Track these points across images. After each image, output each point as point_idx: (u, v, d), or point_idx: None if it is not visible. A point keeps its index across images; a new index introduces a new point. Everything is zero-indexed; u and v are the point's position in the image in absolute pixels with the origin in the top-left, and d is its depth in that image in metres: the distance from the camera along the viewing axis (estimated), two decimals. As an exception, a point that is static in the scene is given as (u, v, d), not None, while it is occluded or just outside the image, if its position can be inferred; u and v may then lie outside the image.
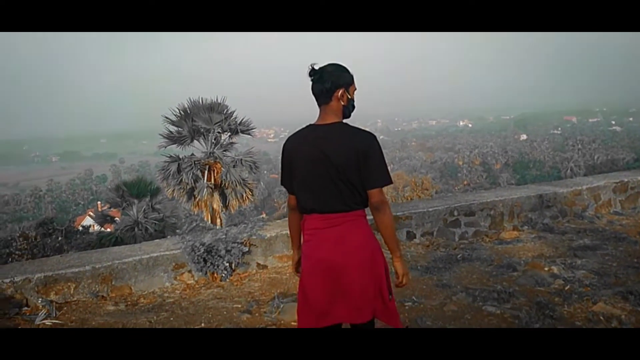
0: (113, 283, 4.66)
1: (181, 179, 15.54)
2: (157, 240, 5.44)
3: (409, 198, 28.77)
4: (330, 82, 2.45)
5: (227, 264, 4.85)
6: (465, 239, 6.12)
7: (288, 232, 2.78)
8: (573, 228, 6.39)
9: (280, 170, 2.66)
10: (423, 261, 5.27)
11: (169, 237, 5.33)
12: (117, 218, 21.84)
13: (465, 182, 61.71)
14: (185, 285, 4.87)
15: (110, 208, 21.00)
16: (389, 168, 2.53)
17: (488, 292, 4.23)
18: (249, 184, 16.19)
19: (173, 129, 15.58)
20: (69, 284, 4.51)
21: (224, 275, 4.88)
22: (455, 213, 6.16)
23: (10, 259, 16.79)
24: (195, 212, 17.49)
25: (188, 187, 15.73)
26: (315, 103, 2.52)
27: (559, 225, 6.55)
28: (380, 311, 2.46)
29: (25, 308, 4.37)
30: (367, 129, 2.51)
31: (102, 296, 4.62)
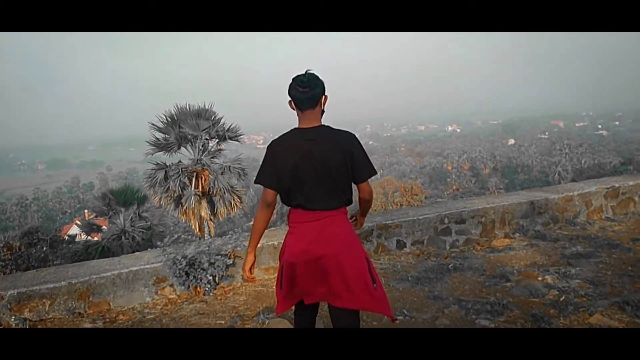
0: (91, 299, 4.46)
1: (168, 187, 15.30)
2: (137, 252, 5.24)
3: (399, 204, 28.64)
4: (320, 88, 2.63)
5: (211, 277, 4.66)
6: (456, 248, 5.98)
7: (259, 235, 2.81)
8: (565, 235, 6.27)
9: (260, 169, 2.72)
10: (414, 271, 5.11)
11: (149, 249, 5.12)
12: (104, 227, 21.49)
13: (454, 187, 61.74)
14: (166, 300, 4.68)
15: (96, 217, 20.67)
16: (378, 174, 2.66)
17: (481, 304, 4.09)
18: (237, 191, 15.98)
19: (160, 135, 15.35)
20: (43, 300, 4.30)
21: (207, 289, 4.68)
22: (446, 221, 6.02)
23: (-6, 270, 16.44)
24: (183, 220, 17.27)
25: (175, 194, 15.49)
26: (294, 110, 2.69)
27: (550, 232, 6.44)
28: (368, 303, 2.59)
29: (-3, 327, 4.16)
30: (346, 129, 2.75)
31: (79, 313, 4.40)
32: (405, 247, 5.83)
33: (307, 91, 2.59)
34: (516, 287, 4.46)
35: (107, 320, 4.33)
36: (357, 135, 2.74)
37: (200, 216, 15.93)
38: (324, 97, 2.66)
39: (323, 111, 2.71)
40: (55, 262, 18.74)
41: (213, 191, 15.68)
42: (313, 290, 2.65)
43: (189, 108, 15.30)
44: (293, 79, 2.64)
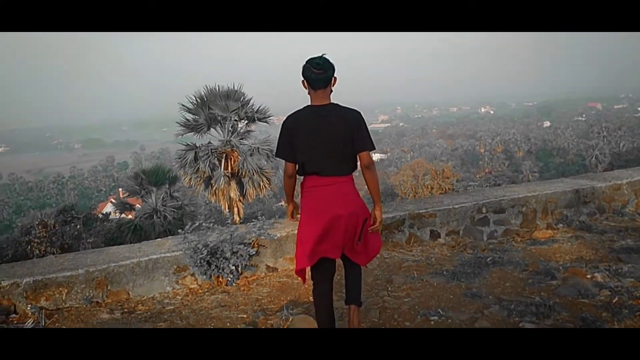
0: (109, 288, 4.27)
1: (198, 168, 15.26)
2: (158, 239, 5.04)
3: (430, 187, 28.06)
4: (332, 70, 2.97)
5: (233, 267, 4.42)
6: (494, 239, 5.61)
7: (291, 194, 3.31)
8: (613, 227, 5.83)
9: (278, 143, 3.07)
10: (449, 265, 4.77)
11: (169, 237, 4.91)
12: (138, 205, 21.68)
13: (486, 170, 60.47)
14: (187, 290, 4.46)
15: (129, 196, 20.87)
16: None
17: (525, 304, 3.72)
18: (266, 172, 15.85)
19: (190, 117, 15.30)
20: (60, 288, 4.13)
21: (229, 279, 4.45)
22: (484, 210, 5.64)
23: (29, 247, 16.74)
24: (213, 201, 17.24)
25: (205, 175, 15.48)
26: (306, 89, 3.02)
27: (597, 223, 6.00)
28: (348, 250, 3.10)
29: (13, 315, 4.02)
30: (354, 108, 3.09)
31: (97, 302, 4.23)
32: (440, 237, 5.49)
33: (321, 73, 2.93)
34: (563, 286, 4.08)
35: (126, 310, 4.15)
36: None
37: (230, 197, 15.87)
38: (334, 78, 3.00)
39: (331, 91, 3.02)
40: (88, 240, 19.01)
41: (242, 172, 15.58)
42: (317, 249, 2.99)
43: (219, 89, 15.18)
44: (308, 61, 2.96)
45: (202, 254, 4.24)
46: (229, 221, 4.59)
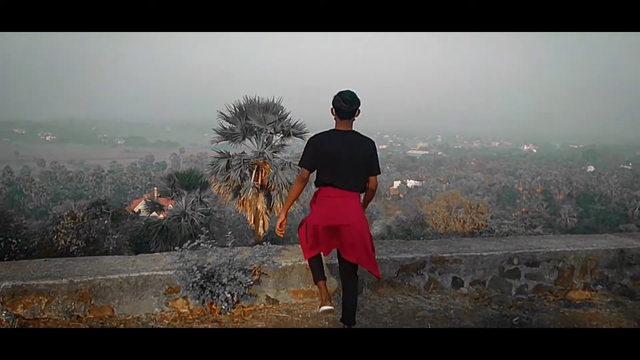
0: (92, 302, 3.93)
1: (229, 176, 15.13)
2: (156, 254, 4.70)
3: (462, 221, 27.20)
4: (358, 104, 3.56)
5: (229, 295, 4.02)
6: (524, 294, 5.06)
7: (292, 201, 3.77)
8: (660, 295, 5.21)
9: (303, 155, 3.58)
10: (469, 320, 4.27)
11: (166, 254, 4.56)
12: (170, 206, 21.73)
13: (523, 210, 58.79)
14: (177, 314, 4.08)
15: (162, 196, 21.00)
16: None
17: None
18: (295, 187, 15.55)
19: (227, 125, 15.23)
20: (40, 297, 3.81)
21: (224, 307, 4.05)
22: (515, 261, 5.11)
23: (55, 237, 16.83)
24: (239, 211, 17.07)
25: (235, 184, 15.35)
26: (333, 115, 3.61)
27: (641, 288, 5.38)
28: (364, 261, 3.57)
29: (-13, 320, 3.72)
30: (369, 136, 3.65)
31: (78, 316, 3.89)
32: (463, 286, 4.98)
33: (348, 106, 3.51)
34: (598, 364, 3.55)
35: (107, 328, 3.81)
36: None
37: (257, 209, 15.65)
38: (358, 110, 3.57)
39: (354, 119, 3.58)
40: (114, 236, 19.07)
41: (271, 185, 15.37)
42: (330, 244, 3.62)
43: (258, 101, 15.10)
44: (339, 94, 3.53)
45: (195, 277, 3.86)
46: (229, 244, 4.21)
